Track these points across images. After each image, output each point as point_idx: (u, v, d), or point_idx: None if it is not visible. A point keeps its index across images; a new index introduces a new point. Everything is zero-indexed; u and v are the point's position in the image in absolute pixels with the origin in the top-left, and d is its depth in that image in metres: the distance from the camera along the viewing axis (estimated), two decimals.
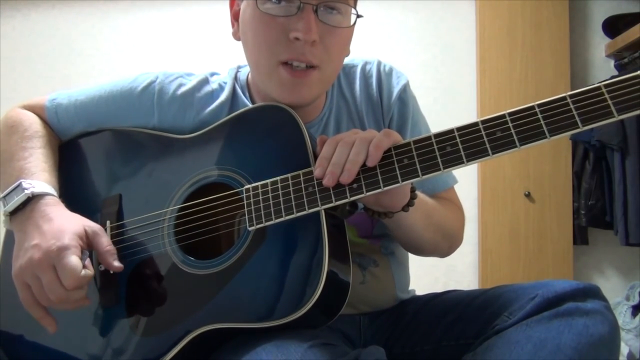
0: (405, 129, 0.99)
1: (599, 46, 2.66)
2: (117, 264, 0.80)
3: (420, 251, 0.98)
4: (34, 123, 0.97)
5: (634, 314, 2.26)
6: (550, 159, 2.54)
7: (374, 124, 0.98)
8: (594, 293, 0.76)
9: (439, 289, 1.01)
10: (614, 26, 2.55)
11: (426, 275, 2.53)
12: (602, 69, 2.64)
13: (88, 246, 0.80)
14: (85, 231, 0.80)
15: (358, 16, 0.88)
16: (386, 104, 0.98)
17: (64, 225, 0.79)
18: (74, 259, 0.75)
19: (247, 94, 0.98)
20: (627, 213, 2.32)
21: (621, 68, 2.53)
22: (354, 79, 1.00)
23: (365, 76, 1.00)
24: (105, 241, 0.81)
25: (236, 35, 0.94)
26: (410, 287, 1.06)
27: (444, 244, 0.98)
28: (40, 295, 0.77)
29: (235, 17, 0.93)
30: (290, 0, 0.83)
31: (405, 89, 1.00)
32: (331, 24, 0.85)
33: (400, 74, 1.02)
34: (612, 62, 2.63)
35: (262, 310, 0.75)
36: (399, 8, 2.72)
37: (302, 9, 0.82)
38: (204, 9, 2.80)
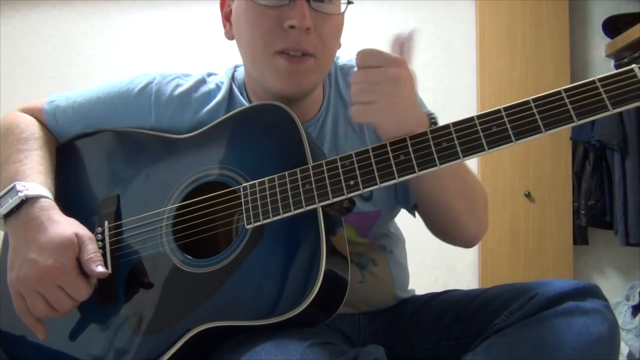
0: None
1: (599, 46, 2.66)
2: (99, 269, 0.80)
3: (449, 229, 0.95)
4: (30, 125, 0.97)
5: (634, 314, 2.26)
6: (550, 159, 2.54)
7: None
8: (593, 292, 0.75)
9: (438, 289, 1.01)
10: (614, 26, 2.55)
11: (426, 275, 2.53)
12: (602, 69, 2.64)
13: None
14: (77, 238, 0.81)
15: (348, 2, 0.89)
16: None
17: (57, 236, 0.80)
18: (80, 280, 0.79)
19: (245, 94, 0.98)
20: (627, 213, 2.32)
21: (621, 68, 2.53)
22: None
23: None
24: (90, 248, 0.81)
25: (229, 35, 0.94)
26: (410, 287, 1.06)
27: (472, 221, 0.94)
28: (33, 307, 0.80)
29: (226, 17, 0.94)
30: None
31: None
32: (324, 12, 0.86)
33: None
34: (612, 62, 2.63)
35: (260, 308, 0.74)
36: (399, 8, 2.73)
37: None
38: (204, 9, 2.80)
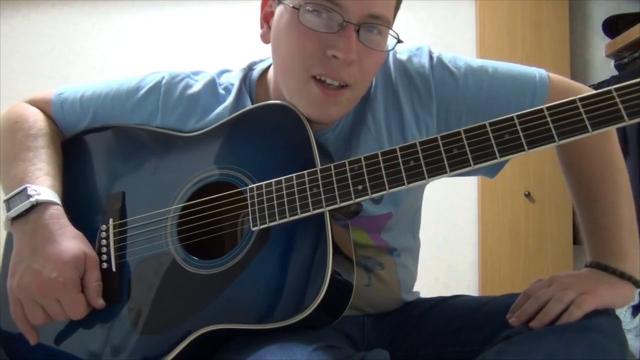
0: (459, 97, 0.94)
1: (599, 46, 2.66)
2: (101, 301, 0.83)
3: None
4: (38, 120, 0.96)
5: (634, 314, 2.26)
6: (550, 159, 2.54)
7: (398, 120, 0.93)
8: (605, 309, 0.76)
9: (439, 288, 1.01)
10: (614, 26, 2.55)
11: (426, 276, 2.51)
12: (602, 69, 2.64)
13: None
14: (85, 258, 0.82)
15: (398, 41, 0.86)
16: (424, 92, 0.94)
17: (67, 251, 0.81)
18: (79, 299, 0.81)
19: (254, 96, 0.95)
20: None
21: (621, 68, 2.53)
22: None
23: (385, 73, 0.95)
24: (95, 276, 0.83)
25: (265, 38, 0.89)
26: (414, 289, 1.06)
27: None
28: (31, 315, 0.81)
29: (265, 18, 0.89)
30: (331, 17, 0.78)
31: (434, 65, 0.97)
32: (370, 46, 0.81)
33: (418, 53, 0.97)
34: (612, 62, 2.63)
35: (265, 312, 0.74)
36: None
37: (344, 27, 0.78)
38: (204, 9, 2.80)
